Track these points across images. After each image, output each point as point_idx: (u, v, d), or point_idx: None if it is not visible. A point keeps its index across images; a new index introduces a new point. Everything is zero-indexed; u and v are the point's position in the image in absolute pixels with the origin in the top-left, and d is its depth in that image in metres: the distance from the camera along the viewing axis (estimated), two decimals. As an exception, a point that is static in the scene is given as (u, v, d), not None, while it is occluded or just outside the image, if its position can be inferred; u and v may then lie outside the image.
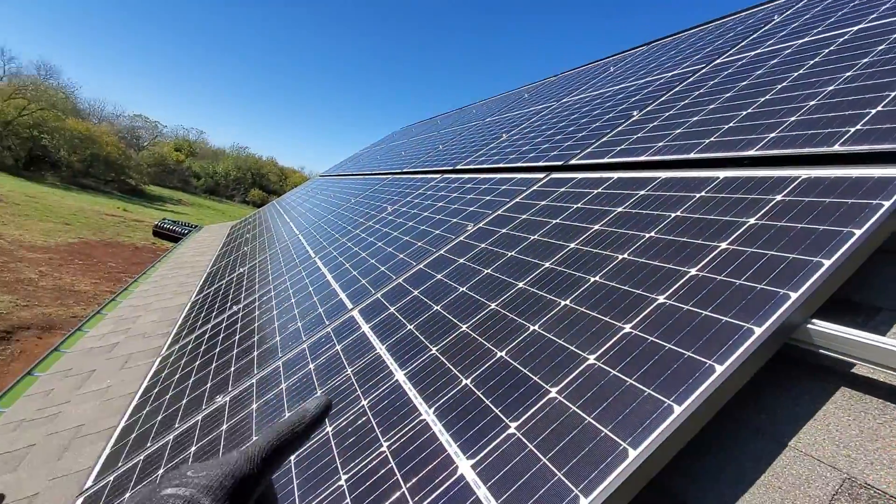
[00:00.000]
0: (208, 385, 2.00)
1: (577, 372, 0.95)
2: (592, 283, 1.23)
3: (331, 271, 2.61)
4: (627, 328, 1.00)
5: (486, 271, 1.64)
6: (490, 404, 0.99)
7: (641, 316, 1.02)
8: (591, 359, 0.97)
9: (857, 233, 0.93)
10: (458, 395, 1.07)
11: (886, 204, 0.97)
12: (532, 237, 1.70)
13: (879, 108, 1.33)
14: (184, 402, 2.01)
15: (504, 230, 1.92)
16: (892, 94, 1.37)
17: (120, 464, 1.88)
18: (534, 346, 1.10)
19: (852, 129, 1.29)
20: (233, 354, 2.19)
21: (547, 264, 1.45)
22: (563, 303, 1.21)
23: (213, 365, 2.20)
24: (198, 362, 2.42)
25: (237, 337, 2.40)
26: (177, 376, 2.47)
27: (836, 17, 2.34)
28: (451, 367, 1.19)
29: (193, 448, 1.60)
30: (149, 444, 1.90)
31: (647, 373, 0.86)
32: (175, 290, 5.27)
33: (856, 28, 2.05)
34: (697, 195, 1.38)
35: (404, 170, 4.73)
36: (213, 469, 0.34)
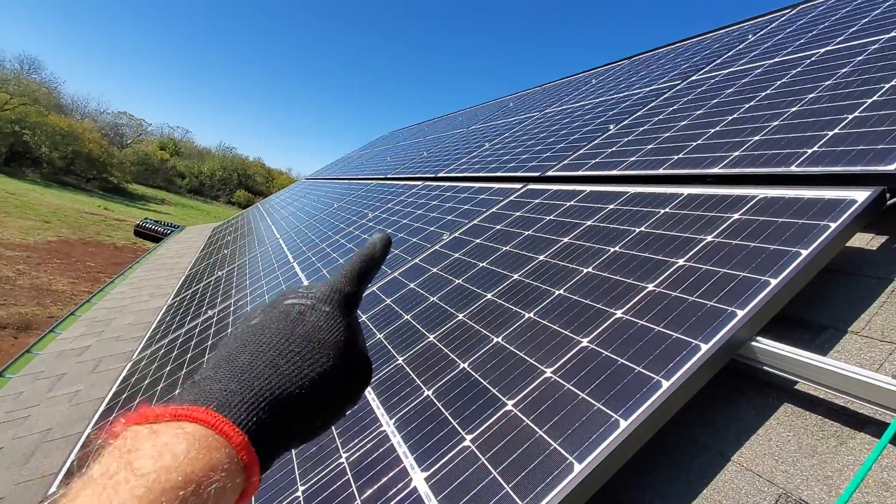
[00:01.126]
0: (176, 393, 1.97)
1: (533, 385, 0.97)
2: (557, 296, 1.25)
3: (308, 277, 2.60)
4: (585, 342, 1.02)
5: (457, 281, 1.65)
6: (448, 416, 1.00)
7: (599, 330, 1.04)
8: (549, 372, 0.99)
9: (804, 253, 0.97)
10: (418, 407, 1.08)
11: (833, 225, 1.00)
12: (504, 248, 1.72)
13: (836, 131, 1.38)
14: (152, 408, 1.98)
15: (478, 240, 1.94)
16: (849, 116, 1.42)
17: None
18: (496, 357, 1.12)
19: (809, 151, 1.34)
20: (203, 361, 2.17)
21: (516, 276, 1.46)
22: (527, 315, 1.23)
23: (183, 371, 2.18)
24: (168, 368, 2.39)
25: (209, 343, 2.37)
26: (146, 382, 2.43)
27: (807, 38, 2.42)
28: (415, 377, 1.19)
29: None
30: (114, 451, 1.87)
31: (598, 387, 0.88)
32: (152, 293, 5.19)
33: (823, 50, 2.13)
34: (662, 211, 1.42)
35: (388, 175, 4.74)
36: (322, 287, 0.41)
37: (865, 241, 1.18)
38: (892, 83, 1.49)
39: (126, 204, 31.49)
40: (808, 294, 1.07)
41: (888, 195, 1.10)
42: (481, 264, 1.69)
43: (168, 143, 52.37)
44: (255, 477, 0.29)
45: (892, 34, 1.89)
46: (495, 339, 1.19)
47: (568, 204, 1.84)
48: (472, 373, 1.10)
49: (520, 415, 0.91)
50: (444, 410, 1.02)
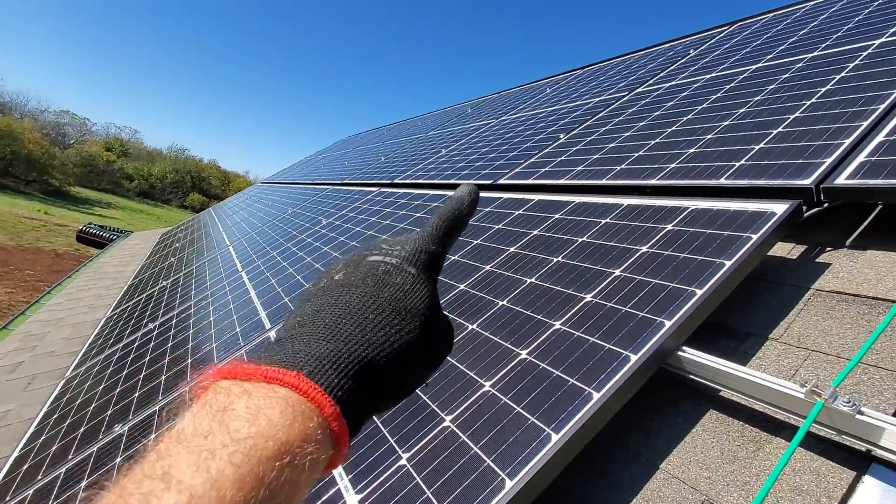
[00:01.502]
0: (109, 412, 1.85)
1: (472, 399, 0.96)
2: (500, 307, 1.25)
3: (255, 287, 2.52)
4: (524, 354, 1.03)
5: (405, 291, 1.63)
6: (387, 434, 0.98)
7: (538, 342, 1.05)
8: (487, 385, 0.98)
9: (728, 263, 1.01)
10: (356, 425, 1.05)
11: (754, 237, 1.05)
12: (453, 258, 1.72)
13: (762, 145, 1.46)
14: (81, 430, 1.86)
15: (429, 249, 1.93)
16: (773, 132, 1.50)
17: (8, 497, 1.71)
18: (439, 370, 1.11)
19: (737, 164, 1.41)
20: (140, 378, 2.05)
21: (462, 286, 1.46)
22: (470, 327, 1.22)
23: (118, 390, 2.05)
24: (102, 386, 2.24)
25: (147, 358, 2.25)
26: (79, 401, 2.28)
27: (741, 55, 2.55)
28: (356, 393, 1.17)
29: (84, 482, 1.48)
30: (40, 477, 1.74)
31: (533, 400, 0.89)
32: (91, 304, 4.89)
33: (754, 67, 2.25)
34: (603, 221, 1.45)
35: (345, 181, 4.66)
36: (407, 244, 0.39)
37: (787, 250, 1.24)
38: (812, 100, 1.59)
39: (69, 208, 29.63)
40: (734, 302, 1.12)
41: (805, 208, 1.17)
42: (430, 274, 1.67)
43: (115, 143, 49.71)
44: (345, 448, 0.29)
45: (814, 54, 2.02)
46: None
47: (517, 213, 1.86)
48: (418, 392, 1.08)
49: (457, 431, 0.90)
50: (382, 428, 1.00)
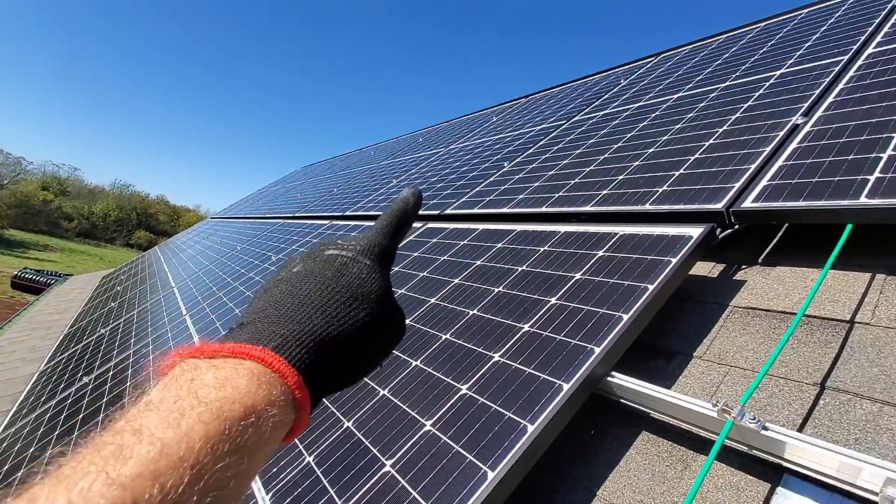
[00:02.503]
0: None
1: (413, 440, 0.96)
2: (443, 341, 1.26)
3: (200, 331, 2.41)
4: (464, 389, 1.04)
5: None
6: (327, 485, 0.95)
7: (479, 375, 1.06)
8: (428, 425, 0.98)
9: (650, 287, 1.06)
10: (297, 477, 1.02)
11: (674, 260, 1.12)
12: (400, 291, 1.72)
13: (681, 171, 1.56)
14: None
15: (377, 283, 1.92)
16: (691, 158, 1.61)
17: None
18: (380, 413, 1.10)
19: (660, 190, 1.50)
20: (73, 439, 1.90)
21: (408, 321, 1.46)
22: (413, 363, 1.22)
23: (47, 454, 1.89)
24: (31, 449, 2.07)
25: (80, 417, 2.09)
26: (5, 467, 2.08)
27: (664, 84, 2.75)
28: (296, 441, 1.13)
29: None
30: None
31: (472, 438, 0.89)
32: (25, 357, 4.53)
33: (676, 96, 2.42)
34: (542, 249, 1.50)
35: (297, 214, 4.60)
36: (361, 240, 0.42)
37: (709, 269, 1.32)
38: (724, 128, 1.73)
39: (2, 252, 27.56)
40: (663, 322, 1.17)
41: (719, 230, 1.26)
42: (377, 309, 1.67)
43: (52, 182, 46.99)
44: (306, 416, 0.31)
45: (727, 83, 2.20)
46: (382, 392, 1.16)
47: (462, 243, 1.90)
48: (356, 432, 1.07)
49: (397, 476, 0.89)
50: (322, 479, 0.97)
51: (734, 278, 1.24)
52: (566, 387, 0.90)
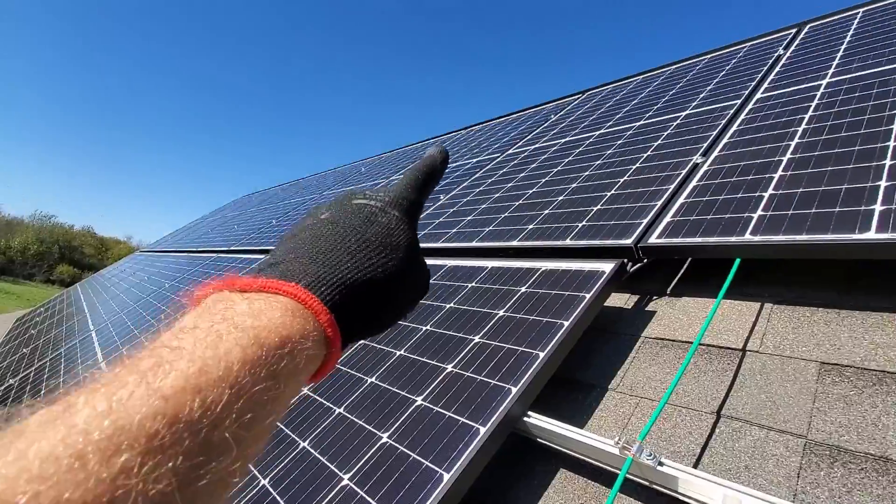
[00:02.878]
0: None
1: (329, 496, 0.92)
2: (367, 385, 1.23)
3: (117, 380, 2.23)
4: (385, 437, 1.02)
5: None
6: (236, 552, 0.89)
7: (400, 421, 1.04)
8: (346, 479, 0.95)
9: (565, 324, 1.10)
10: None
11: (587, 296, 1.17)
12: (331, 331, 1.68)
13: (599, 207, 1.65)
14: None
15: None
16: (607, 194, 1.71)
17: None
18: (299, 467, 1.05)
19: (579, 225, 1.57)
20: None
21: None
22: (337, 410, 1.19)
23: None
24: None
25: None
26: None
27: (589, 121, 2.92)
28: None
29: None
30: None
31: (388, 491, 0.87)
32: None
33: (598, 133, 2.58)
34: (469, 285, 1.52)
35: (231, 248, 4.42)
36: (390, 192, 0.41)
37: (624, 300, 1.39)
38: (637, 165, 1.86)
39: None
40: (581, 355, 1.22)
41: (630, 264, 1.33)
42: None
43: (-40, 214, 42.60)
44: (337, 353, 0.31)
45: (641, 122, 2.38)
46: (301, 444, 1.12)
47: (395, 278, 1.89)
48: (271, 490, 1.01)
49: (310, 537, 0.85)
50: (231, 545, 0.91)
51: (646, 309, 1.31)
52: (482, 430, 0.90)
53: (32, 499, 0.16)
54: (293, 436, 1.16)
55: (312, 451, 1.08)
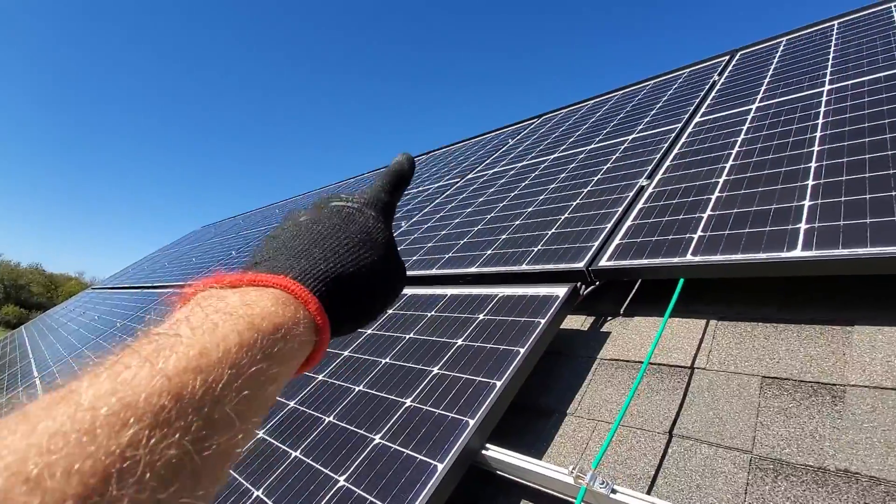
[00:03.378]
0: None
1: (283, 548, 0.88)
2: (325, 425, 1.20)
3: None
4: (342, 480, 0.98)
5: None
6: None
7: (357, 463, 1.01)
8: (301, 527, 0.91)
9: (521, 351, 1.11)
10: None
11: (542, 321, 1.19)
12: (289, 368, 1.63)
13: (553, 231, 1.69)
14: None
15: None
16: (560, 218, 1.76)
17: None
18: (252, 517, 1.00)
19: (535, 250, 1.60)
20: None
21: (291, 403, 1.38)
22: (293, 454, 1.15)
23: None
24: None
25: None
26: None
27: (544, 145, 3.01)
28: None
29: None
30: None
31: (344, 538, 0.84)
32: None
33: (552, 157, 2.66)
34: (429, 314, 1.52)
35: (189, 282, 4.26)
36: (365, 194, 0.44)
37: (581, 322, 1.42)
38: (588, 188, 1.92)
39: None
40: (539, 380, 1.22)
41: (583, 287, 1.36)
42: (264, 391, 1.56)
43: None
44: (326, 341, 0.33)
45: (592, 146, 2.47)
46: (256, 493, 1.07)
47: (356, 309, 1.86)
48: (222, 546, 0.96)
49: None
50: None
51: (601, 330, 1.34)
52: (440, 467, 0.89)
53: (45, 468, 0.17)
54: (246, 484, 1.11)
55: (266, 499, 1.03)
